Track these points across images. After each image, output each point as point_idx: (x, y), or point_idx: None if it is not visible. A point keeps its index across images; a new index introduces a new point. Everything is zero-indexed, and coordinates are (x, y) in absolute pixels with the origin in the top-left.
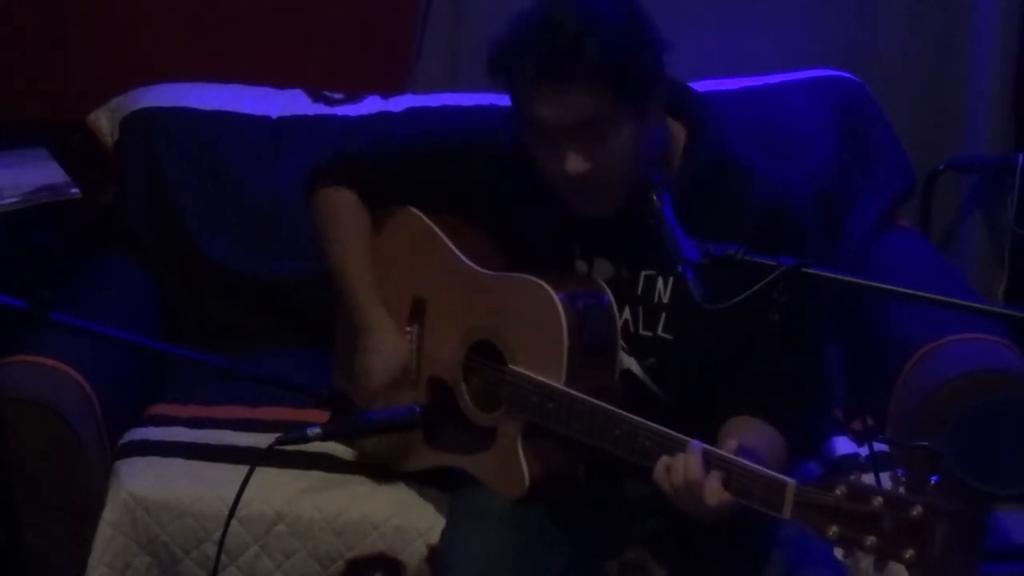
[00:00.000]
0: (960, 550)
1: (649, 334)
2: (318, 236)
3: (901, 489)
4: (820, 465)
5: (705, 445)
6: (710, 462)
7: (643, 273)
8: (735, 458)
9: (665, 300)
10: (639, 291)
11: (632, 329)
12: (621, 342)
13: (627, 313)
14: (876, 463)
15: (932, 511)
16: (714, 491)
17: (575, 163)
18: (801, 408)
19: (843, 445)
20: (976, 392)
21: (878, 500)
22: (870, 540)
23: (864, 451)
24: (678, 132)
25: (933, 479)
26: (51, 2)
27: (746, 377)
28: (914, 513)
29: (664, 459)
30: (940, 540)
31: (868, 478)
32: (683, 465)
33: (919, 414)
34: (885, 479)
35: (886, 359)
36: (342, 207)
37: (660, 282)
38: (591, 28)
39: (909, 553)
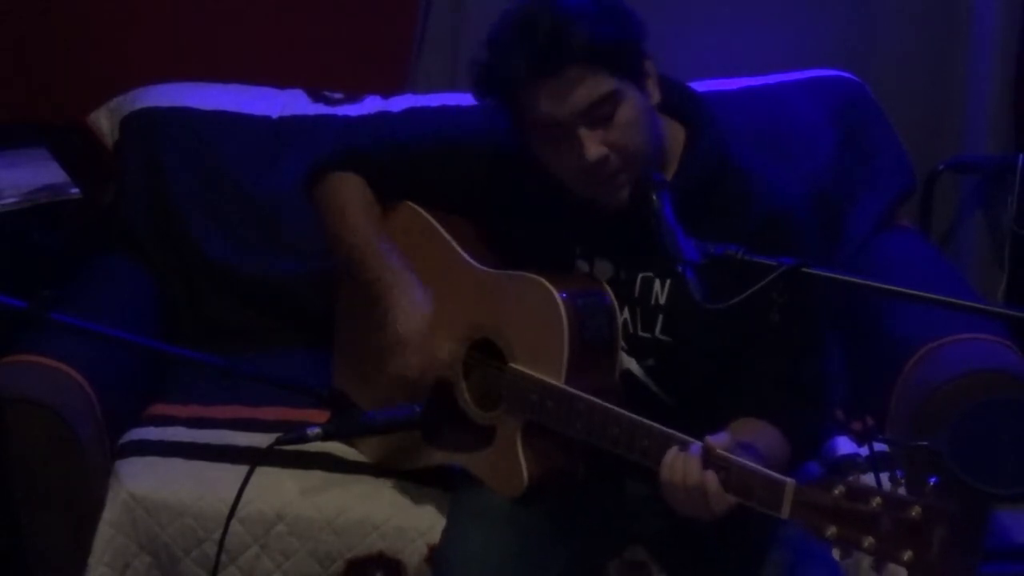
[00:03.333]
0: (958, 551)
1: (648, 335)
2: (325, 218)
3: (900, 490)
4: (820, 465)
5: (704, 444)
6: (710, 461)
7: (640, 275)
8: (734, 457)
9: (662, 302)
10: (636, 292)
11: (631, 330)
12: (621, 342)
13: (626, 314)
14: (876, 463)
15: (931, 512)
16: (713, 492)
17: (594, 149)
18: (802, 409)
19: (843, 445)
20: (976, 392)
21: (877, 500)
22: (868, 541)
23: (864, 451)
24: (677, 133)
25: (932, 480)
26: (51, 2)
27: (746, 378)
28: (913, 514)
29: (671, 452)
30: (938, 541)
31: (868, 478)
32: (683, 468)
33: (919, 414)
34: (885, 479)
35: (886, 359)
36: (348, 186)
37: (657, 284)
38: (568, 16)
39: (907, 554)
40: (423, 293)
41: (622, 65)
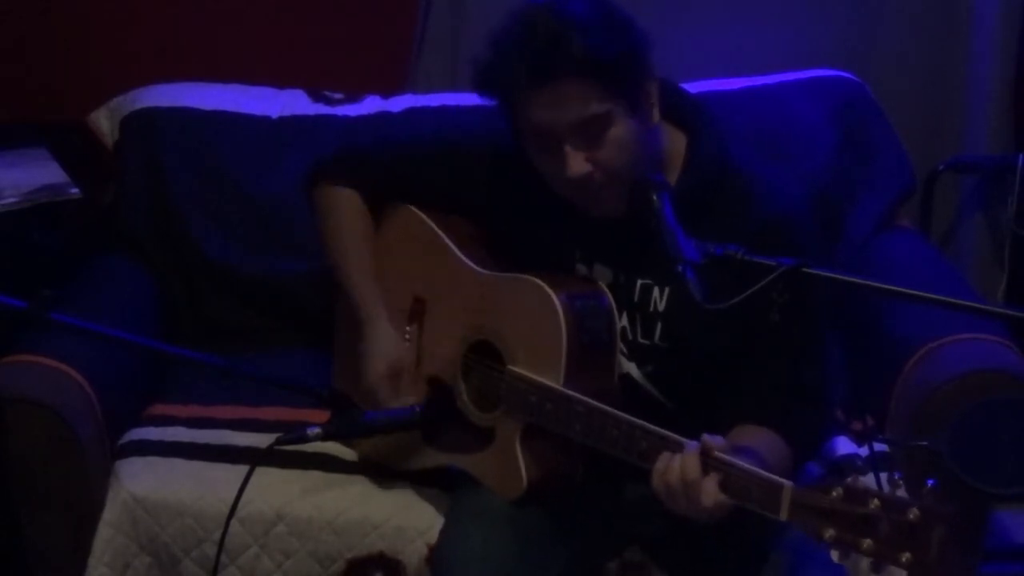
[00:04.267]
0: (957, 553)
1: (647, 342)
2: (319, 231)
3: (899, 492)
4: (820, 465)
5: (703, 445)
6: (708, 463)
7: (640, 281)
8: (732, 460)
9: (661, 309)
10: (635, 299)
11: (631, 336)
12: (621, 346)
13: (625, 320)
14: (876, 463)
15: (929, 514)
16: (710, 492)
17: (577, 164)
18: (802, 409)
19: (843, 445)
20: (976, 392)
21: (875, 503)
22: (866, 543)
23: (864, 451)
24: (678, 138)
25: (930, 482)
26: (51, 2)
27: (747, 381)
28: (911, 516)
29: (663, 458)
30: (937, 543)
31: (868, 478)
32: (680, 465)
33: (919, 414)
34: (885, 479)
35: (886, 359)
36: (343, 204)
37: (656, 291)
38: (570, 25)
39: (906, 556)
40: (391, 337)
41: (620, 84)
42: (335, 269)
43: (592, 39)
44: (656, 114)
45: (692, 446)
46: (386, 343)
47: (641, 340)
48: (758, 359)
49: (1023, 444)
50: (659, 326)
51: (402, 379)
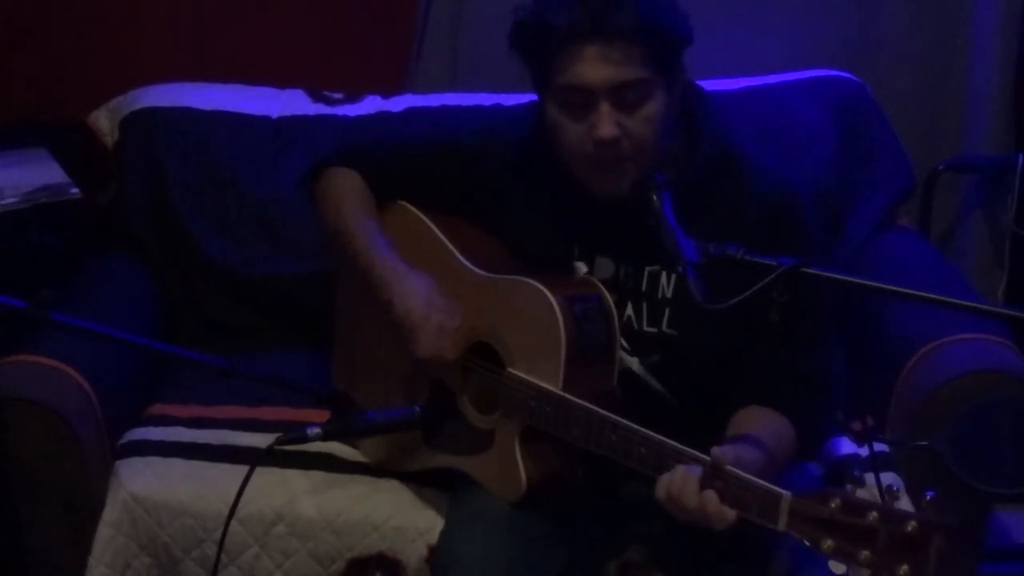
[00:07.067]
0: (956, 565)
1: (653, 330)
2: (322, 211)
3: (897, 503)
4: (821, 465)
5: (701, 458)
6: (706, 481)
7: (647, 269)
8: (732, 470)
9: (669, 295)
10: (643, 287)
11: (636, 326)
12: (622, 342)
13: (629, 310)
14: (876, 463)
15: (927, 526)
16: (710, 503)
17: (608, 127)
18: (805, 396)
19: (844, 445)
20: (976, 392)
21: (873, 514)
22: (864, 554)
23: (864, 451)
24: (682, 127)
25: (929, 494)
26: (51, 2)
27: (751, 367)
28: (909, 528)
29: (663, 479)
30: (935, 555)
31: (869, 478)
32: (680, 490)
33: (919, 414)
34: (886, 479)
35: (886, 359)
36: (348, 182)
37: (664, 277)
38: None
39: (904, 568)
40: (418, 277)
41: (665, 60)
42: (341, 238)
43: (652, 10)
44: (679, 102)
45: (692, 471)
46: (412, 280)
47: (647, 328)
48: (762, 350)
49: (1023, 444)
50: (667, 312)
51: (450, 311)
